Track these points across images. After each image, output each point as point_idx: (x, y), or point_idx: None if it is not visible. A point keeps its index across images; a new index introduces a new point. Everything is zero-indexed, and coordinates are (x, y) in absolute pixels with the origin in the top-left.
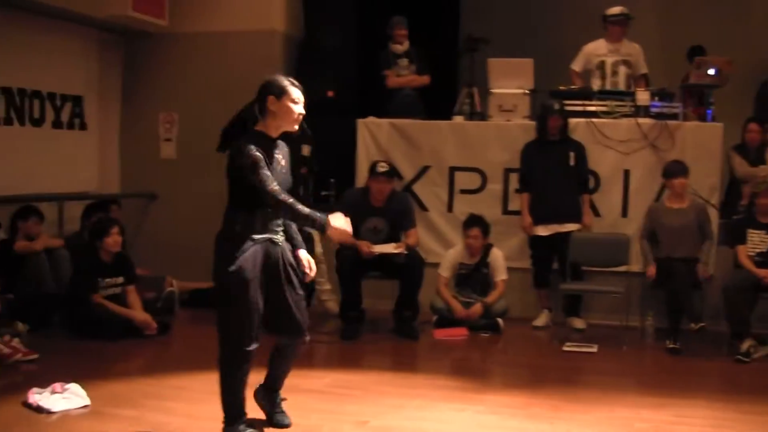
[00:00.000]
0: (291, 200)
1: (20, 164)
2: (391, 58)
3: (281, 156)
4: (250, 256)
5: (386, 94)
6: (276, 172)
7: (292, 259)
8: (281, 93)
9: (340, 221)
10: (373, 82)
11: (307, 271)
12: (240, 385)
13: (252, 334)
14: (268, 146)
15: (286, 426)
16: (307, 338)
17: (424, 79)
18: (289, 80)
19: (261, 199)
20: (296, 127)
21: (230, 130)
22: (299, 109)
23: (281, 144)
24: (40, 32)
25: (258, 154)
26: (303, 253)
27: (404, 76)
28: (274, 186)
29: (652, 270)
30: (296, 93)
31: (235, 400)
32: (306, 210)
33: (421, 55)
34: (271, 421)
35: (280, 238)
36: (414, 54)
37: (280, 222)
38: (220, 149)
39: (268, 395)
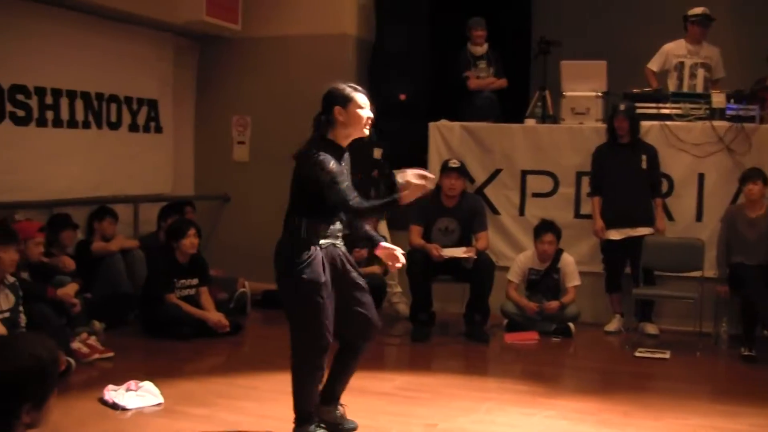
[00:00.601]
0: (366, 204)
1: (97, 167)
2: (471, 60)
3: (344, 164)
4: (319, 261)
5: (464, 96)
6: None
7: (353, 260)
8: (347, 101)
9: (408, 176)
10: (449, 84)
11: (398, 263)
12: (314, 387)
13: (327, 337)
14: (338, 156)
15: (354, 429)
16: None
17: (503, 82)
18: (352, 86)
19: (325, 206)
20: (367, 132)
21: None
22: (367, 113)
23: (346, 156)
24: (118, 38)
25: (335, 167)
26: (386, 245)
27: (483, 78)
28: (354, 199)
29: (724, 290)
30: (362, 98)
31: (307, 402)
32: (379, 202)
33: (499, 58)
34: (338, 429)
35: (341, 242)
36: (492, 56)
37: (342, 227)
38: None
39: (328, 407)
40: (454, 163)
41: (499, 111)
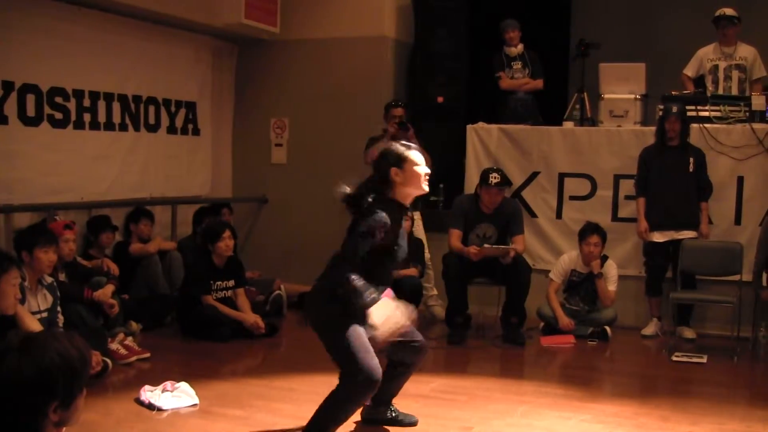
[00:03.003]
0: (357, 283)
1: (135, 169)
2: (505, 61)
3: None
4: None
5: (500, 97)
6: (400, 245)
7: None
8: (402, 161)
9: (382, 315)
10: (485, 86)
11: None
12: (350, 413)
13: (376, 374)
14: (397, 216)
15: (415, 423)
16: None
17: (538, 83)
18: (405, 144)
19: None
20: (426, 188)
21: (354, 199)
22: (424, 170)
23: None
24: (156, 40)
25: (377, 229)
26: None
27: (518, 79)
28: (355, 261)
29: (766, 294)
30: (416, 156)
31: (336, 425)
32: (360, 301)
33: (535, 59)
34: (400, 423)
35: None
36: (528, 57)
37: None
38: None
39: (379, 408)
40: (495, 178)
41: (536, 113)
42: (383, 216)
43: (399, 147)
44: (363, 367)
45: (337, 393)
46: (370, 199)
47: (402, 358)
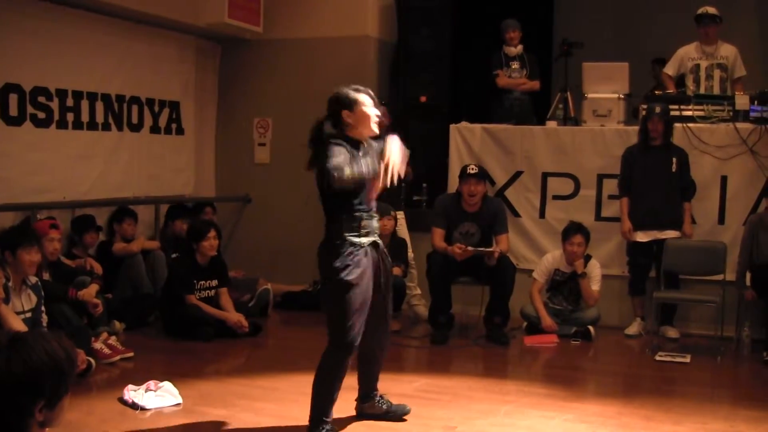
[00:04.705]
0: (348, 173)
1: (119, 168)
2: (504, 60)
3: (368, 158)
4: (355, 263)
5: (495, 95)
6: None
7: (389, 264)
8: (353, 103)
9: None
10: (468, 85)
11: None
12: (336, 384)
13: (354, 336)
14: (353, 148)
15: (407, 412)
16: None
17: (534, 84)
18: (355, 87)
19: (351, 202)
20: (376, 129)
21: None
22: (373, 110)
23: (366, 147)
24: (139, 40)
25: (339, 152)
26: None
27: (515, 78)
28: (337, 165)
29: (750, 294)
30: (366, 98)
31: (326, 400)
32: (362, 170)
33: (533, 61)
34: (391, 417)
35: (378, 240)
36: (526, 59)
37: (377, 223)
38: (310, 166)
39: (370, 400)
40: (472, 169)
41: (530, 113)
42: (340, 144)
43: (349, 91)
44: (342, 333)
45: (320, 363)
46: (327, 138)
47: (370, 344)
